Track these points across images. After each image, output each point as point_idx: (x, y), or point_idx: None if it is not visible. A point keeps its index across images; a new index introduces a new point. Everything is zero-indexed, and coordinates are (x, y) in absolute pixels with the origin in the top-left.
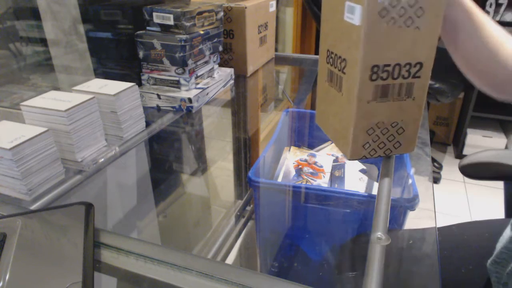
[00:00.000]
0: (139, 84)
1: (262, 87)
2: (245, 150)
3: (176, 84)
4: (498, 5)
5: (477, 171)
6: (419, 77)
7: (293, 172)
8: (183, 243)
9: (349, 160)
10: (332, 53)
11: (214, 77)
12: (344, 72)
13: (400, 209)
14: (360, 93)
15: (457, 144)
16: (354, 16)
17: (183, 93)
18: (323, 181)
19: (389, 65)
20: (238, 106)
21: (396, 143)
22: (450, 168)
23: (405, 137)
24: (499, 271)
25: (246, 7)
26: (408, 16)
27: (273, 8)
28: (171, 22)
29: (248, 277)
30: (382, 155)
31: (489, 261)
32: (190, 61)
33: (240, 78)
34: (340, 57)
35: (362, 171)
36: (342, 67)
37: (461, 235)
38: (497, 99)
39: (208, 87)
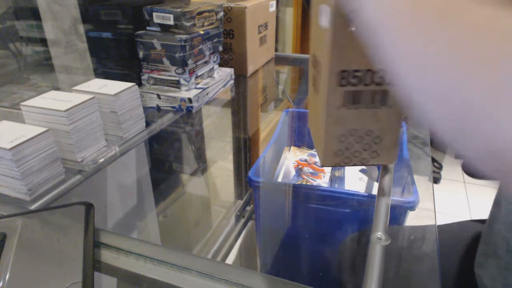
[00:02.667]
0: (139, 84)
1: (262, 87)
2: (245, 150)
3: (176, 84)
4: None
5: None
6: None
7: (293, 172)
8: (183, 243)
9: (322, 166)
10: (314, 56)
11: (214, 77)
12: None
13: (400, 209)
14: (329, 99)
15: None
16: (324, 18)
17: (183, 93)
18: (323, 181)
19: (359, 71)
20: (238, 106)
21: (373, 153)
22: (450, 168)
23: (383, 147)
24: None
25: (246, 7)
26: None
27: (273, 8)
28: (171, 22)
29: (248, 277)
30: (358, 164)
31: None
32: (190, 61)
33: (240, 78)
34: (318, 60)
35: (362, 171)
36: (319, 71)
37: (461, 232)
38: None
39: (208, 87)
